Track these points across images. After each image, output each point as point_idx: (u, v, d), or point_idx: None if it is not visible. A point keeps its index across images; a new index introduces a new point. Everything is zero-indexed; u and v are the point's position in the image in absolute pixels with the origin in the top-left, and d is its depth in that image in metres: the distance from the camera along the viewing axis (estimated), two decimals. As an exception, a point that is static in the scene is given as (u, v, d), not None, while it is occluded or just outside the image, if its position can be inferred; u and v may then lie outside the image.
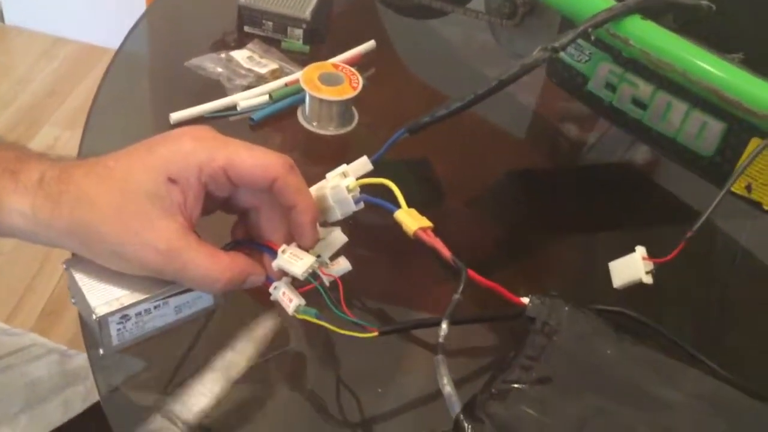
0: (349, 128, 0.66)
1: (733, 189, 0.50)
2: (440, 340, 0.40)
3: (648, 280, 0.43)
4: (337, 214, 0.48)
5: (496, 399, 0.39)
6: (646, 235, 0.56)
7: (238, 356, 0.44)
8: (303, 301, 0.45)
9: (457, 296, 0.40)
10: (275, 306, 0.45)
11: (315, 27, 0.72)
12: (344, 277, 0.45)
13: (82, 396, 0.69)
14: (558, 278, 0.55)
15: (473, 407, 0.39)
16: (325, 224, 0.49)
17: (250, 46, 0.71)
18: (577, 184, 0.65)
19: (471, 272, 0.41)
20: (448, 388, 0.39)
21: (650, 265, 0.43)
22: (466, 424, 0.38)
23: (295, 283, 0.46)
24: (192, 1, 0.81)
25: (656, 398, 0.40)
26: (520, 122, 0.73)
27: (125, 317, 0.44)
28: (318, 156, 0.64)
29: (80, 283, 0.45)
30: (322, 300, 0.44)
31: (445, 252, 0.41)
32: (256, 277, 0.44)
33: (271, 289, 0.46)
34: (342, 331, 0.43)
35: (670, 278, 0.46)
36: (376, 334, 0.44)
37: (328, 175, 0.50)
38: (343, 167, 0.50)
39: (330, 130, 0.65)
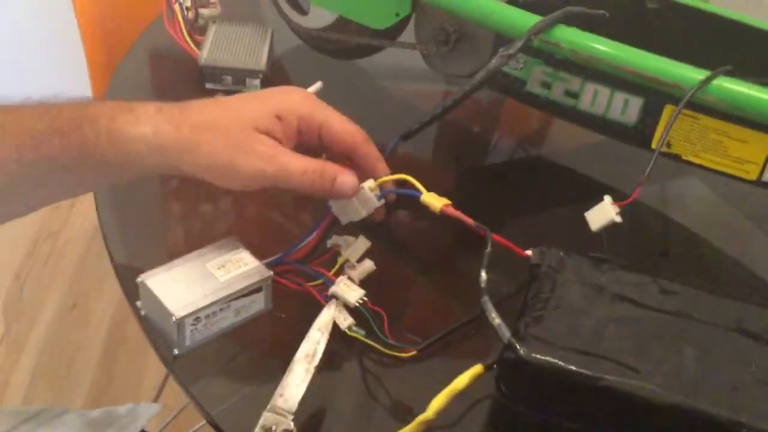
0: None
1: (655, 147, 0.64)
2: (483, 285, 0.50)
3: (619, 219, 0.55)
4: (362, 213, 0.57)
5: (532, 324, 0.50)
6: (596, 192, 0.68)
7: (314, 345, 0.52)
8: (354, 322, 0.55)
9: (488, 250, 0.51)
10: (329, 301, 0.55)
11: (270, 75, 0.82)
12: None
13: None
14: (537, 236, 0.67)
15: (518, 332, 0.49)
16: (349, 234, 0.59)
17: (215, 99, 0.80)
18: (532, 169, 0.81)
19: (495, 235, 0.52)
20: (497, 320, 0.49)
21: (617, 208, 0.55)
22: (516, 344, 0.48)
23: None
24: (150, 65, 0.89)
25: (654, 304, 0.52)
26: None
27: (197, 319, 0.52)
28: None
29: (156, 293, 0.52)
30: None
31: (469, 221, 0.52)
32: (347, 178, 0.53)
33: (326, 308, 0.55)
34: (386, 351, 0.54)
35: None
36: (414, 353, 0.54)
37: None
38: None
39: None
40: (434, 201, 0.53)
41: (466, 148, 0.85)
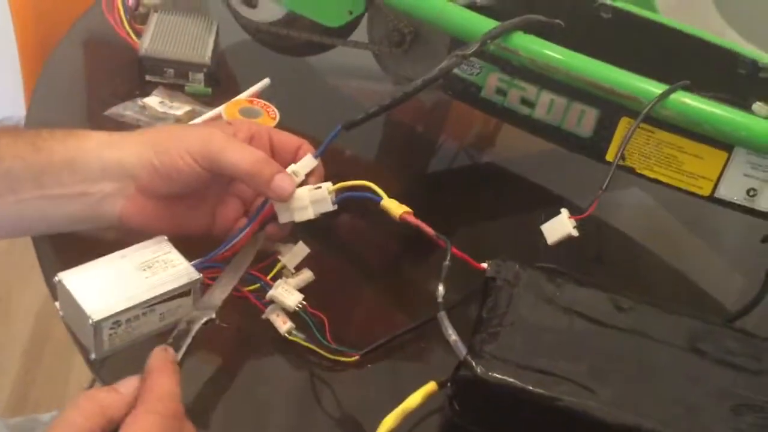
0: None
1: (610, 159, 0.63)
2: (439, 299, 0.48)
3: (575, 233, 0.54)
4: (311, 213, 0.54)
5: (487, 342, 0.48)
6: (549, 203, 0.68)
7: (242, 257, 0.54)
8: (294, 326, 0.53)
9: (447, 263, 0.49)
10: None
11: (214, 70, 0.78)
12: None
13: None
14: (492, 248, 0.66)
15: (474, 349, 0.48)
16: (288, 240, 0.57)
17: (155, 93, 0.76)
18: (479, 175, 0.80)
19: (453, 248, 0.50)
20: (453, 336, 0.48)
21: (574, 222, 0.54)
22: (473, 363, 0.46)
23: None
24: (86, 54, 0.84)
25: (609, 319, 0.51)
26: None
27: (117, 323, 0.49)
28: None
29: (74, 294, 0.49)
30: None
31: (429, 230, 0.50)
32: (284, 179, 0.53)
33: (266, 312, 0.54)
34: (328, 355, 0.53)
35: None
36: (357, 357, 0.53)
37: None
38: (292, 166, 0.56)
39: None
40: (394, 207, 0.52)
41: (415, 153, 0.83)
